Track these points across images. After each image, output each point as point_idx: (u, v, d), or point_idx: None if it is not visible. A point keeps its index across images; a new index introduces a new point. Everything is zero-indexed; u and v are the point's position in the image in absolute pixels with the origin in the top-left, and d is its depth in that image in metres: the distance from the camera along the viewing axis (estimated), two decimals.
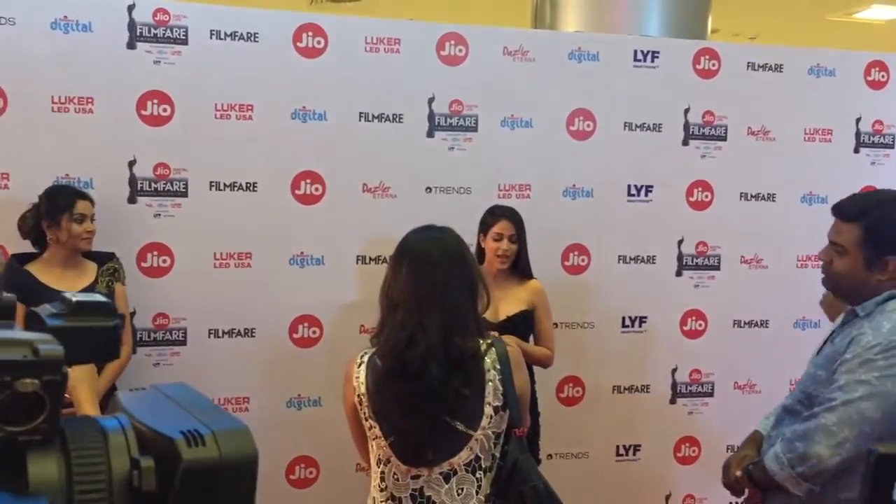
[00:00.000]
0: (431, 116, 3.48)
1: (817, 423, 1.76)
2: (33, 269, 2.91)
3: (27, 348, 0.52)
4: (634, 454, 3.81)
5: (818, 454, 1.74)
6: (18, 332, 0.54)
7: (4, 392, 0.50)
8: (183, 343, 3.30)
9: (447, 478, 1.84)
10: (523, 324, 3.10)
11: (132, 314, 3.19)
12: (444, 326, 1.79)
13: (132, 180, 3.20)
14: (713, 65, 3.73)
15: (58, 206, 2.88)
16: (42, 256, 2.95)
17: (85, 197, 2.95)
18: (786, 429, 1.87)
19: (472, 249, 3.27)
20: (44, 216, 2.90)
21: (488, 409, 1.83)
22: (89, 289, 2.93)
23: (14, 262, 2.91)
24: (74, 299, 0.59)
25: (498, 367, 1.84)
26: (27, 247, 2.98)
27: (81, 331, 0.59)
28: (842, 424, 1.73)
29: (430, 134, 3.49)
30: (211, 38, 3.24)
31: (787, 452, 1.80)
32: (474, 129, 3.52)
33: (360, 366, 1.90)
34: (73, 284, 2.93)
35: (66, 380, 0.53)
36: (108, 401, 2.88)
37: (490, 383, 1.83)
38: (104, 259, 3.03)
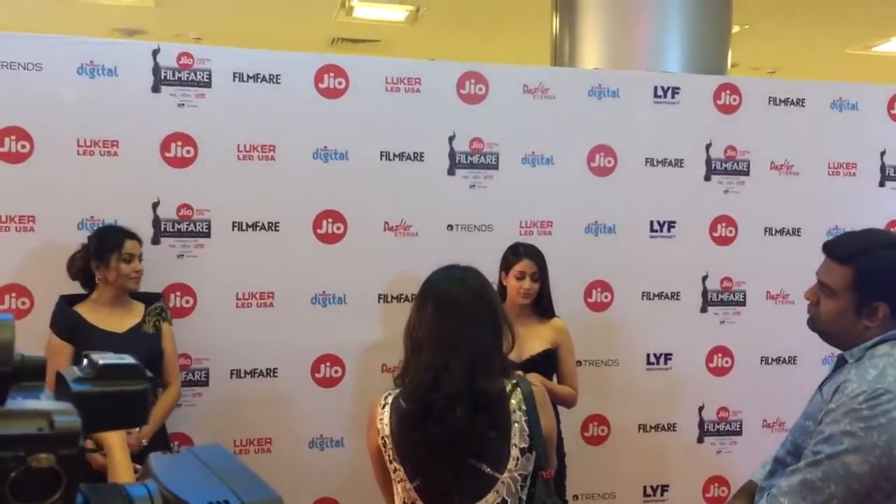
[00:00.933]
0: (452, 154, 3.49)
1: (802, 478, 1.66)
2: (82, 309, 2.93)
3: (43, 420, 0.50)
4: (662, 495, 3.74)
5: None
6: (37, 402, 0.52)
7: (18, 468, 0.47)
8: (205, 384, 3.29)
9: None
10: (547, 363, 3.07)
11: None
12: (469, 367, 1.77)
13: (156, 221, 3.22)
14: (734, 100, 3.72)
15: (107, 246, 2.91)
16: (90, 297, 2.96)
17: (133, 237, 2.98)
18: (776, 480, 1.79)
19: (494, 287, 3.26)
20: (93, 256, 2.92)
21: (514, 451, 1.80)
22: (137, 328, 2.96)
23: (63, 303, 2.93)
24: (101, 362, 0.57)
25: (524, 407, 1.82)
26: (69, 287, 2.99)
27: (108, 396, 0.56)
28: (827, 480, 1.63)
29: (451, 172, 3.49)
30: (234, 80, 3.28)
31: None
32: (495, 166, 3.52)
33: (384, 407, 1.88)
34: (122, 324, 2.95)
35: (84, 454, 0.50)
36: (156, 441, 2.89)
37: (516, 424, 1.81)
38: (151, 299, 3.05)
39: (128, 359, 0.58)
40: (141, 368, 0.58)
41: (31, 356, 0.57)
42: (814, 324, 1.87)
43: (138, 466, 2.72)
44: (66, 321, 2.89)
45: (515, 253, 3.15)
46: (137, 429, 2.76)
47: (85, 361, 0.59)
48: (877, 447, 1.60)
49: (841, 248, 1.84)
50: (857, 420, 1.63)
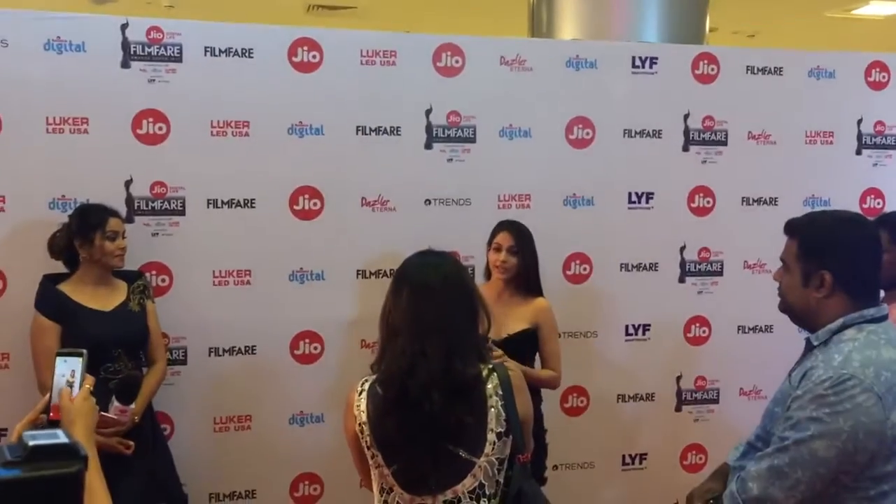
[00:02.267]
0: (429, 128, 3.45)
1: (770, 463, 1.69)
2: (66, 288, 2.90)
3: None
4: (641, 463, 3.79)
5: (772, 497, 1.68)
6: None
7: None
8: (184, 362, 3.28)
9: None
10: (525, 343, 3.07)
11: None
12: (445, 353, 1.77)
13: (129, 200, 3.17)
14: (712, 69, 3.70)
15: (90, 224, 2.87)
16: (74, 276, 2.94)
17: (116, 214, 2.95)
18: (748, 463, 1.82)
19: (482, 262, 3.25)
20: (76, 235, 2.89)
21: (491, 436, 1.81)
22: (123, 306, 2.96)
23: (47, 282, 2.90)
24: (31, 443, 0.54)
25: (500, 392, 1.82)
26: (42, 267, 2.96)
27: (38, 481, 0.52)
28: (794, 465, 1.65)
29: (428, 146, 3.46)
30: (205, 54, 3.22)
31: (741, 493, 1.73)
32: (473, 140, 3.50)
33: (360, 394, 1.88)
34: (108, 303, 2.94)
35: None
36: (145, 418, 2.88)
37: (492, 409, 1.81)
38: (133, 277, 3.04)
39: (61, 437, 0.54)
40: (74, 447, 0.54)
41: None
42: (780, 303, 1.90)
43: (130, 443, 2.74)
44: (53, 301, 2.87)
45: (498, 226, 3.15)
46: (131, 406, 2.75)
47: (15, 445, 0.55)
48: (843, 432, 1.62)
49: (793, 221, 1.89)
50: (823, 406, 1.64)
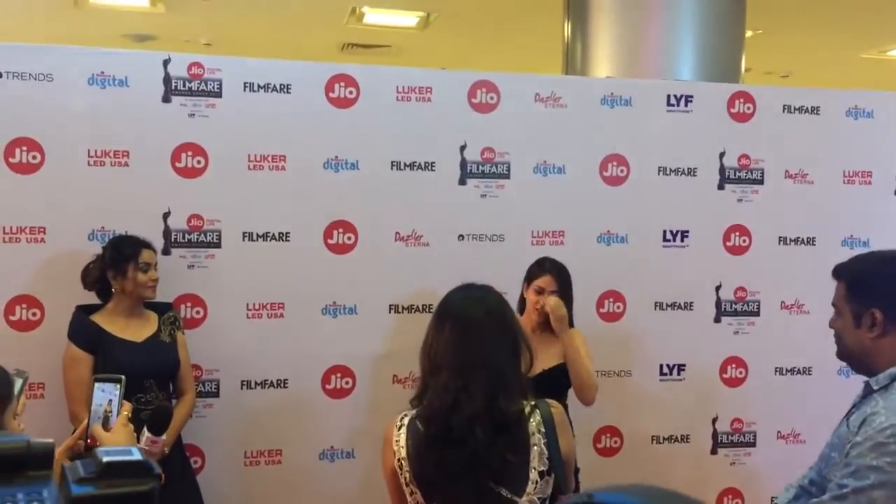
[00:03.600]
0: (463, 164, 3.46)
1: None
2: (99, 319, 2.93)
3: None
4: None
5: None
6: None
7: None
8: (216, 395, 3.28)
9: None
10: (559, 378, 3.02)
11: None
12: (488, 389, 1.74)
13: (166, 232, 3.20)
14: (748, 108, 3.69)
15: (124, 256, 2.91)
16: (106, 307, 2.96)
17: (149, 246, 2.98)
18: None
19: (516, 298, 3.23)
20: (109, 266, 2.92)
21: (533, 475, 1.77)
22: (154, 337, 2.97)
23: (80, 312, 2.92)
24: (105, 459, 0.53)
25: (543, 430, 1.79)
26: (80, 297, 2.98)
27: (112, 499, 0.52)
28: None
29: (462, 181, 3.47)
30: (244, 90, 3.26)
31: None
32: (507, 175, 3.50)
33: (399, 428, 1.85)
34: (139, 334, 2.96)
35: None
36: (174, 450, 2.89)
37: (535, 447, 1.78)
38: (163, 308, 3.06)
39: (135, 454, 0.54)
40: (148, 465, 0.54)
41: (37, 442, 0.53)
42: (838, 350, 1.86)
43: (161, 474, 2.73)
44: (86, 331, 2.89)
45: (540, 266, 3.13)
46: (163, 437, 2.75)
47: (88, 460, 0.54)
48: None
49: (838, 266, 1.86)
50: (884, 455, 1.60)
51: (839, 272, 1.84)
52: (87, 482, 0.51)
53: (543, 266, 3.13)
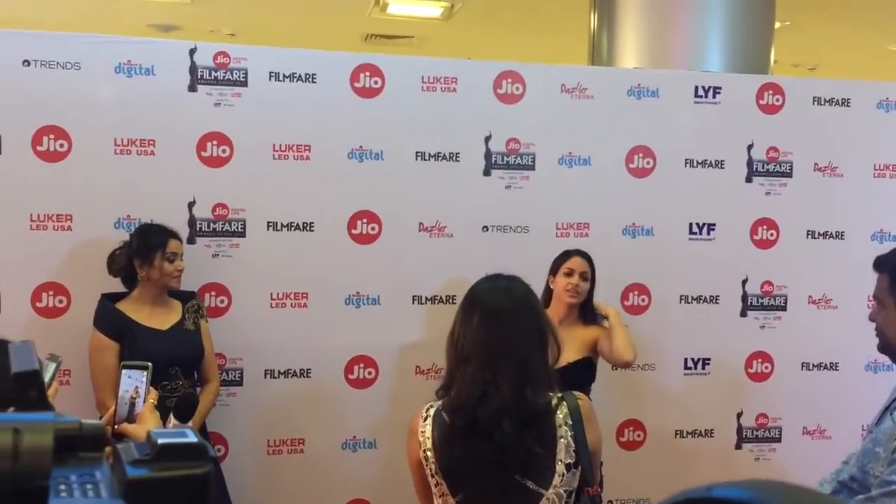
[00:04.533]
0: (488, 155, 3.44)
1: None
2: (124, 307, 2.95)
3: None
4: None
5: None
6: None
7: None
8: (240, 384, 3.29)
9: None
10: (582, 372, 3.01)
11: None
12: (516, 382, 1.73)
13: (192, 221, 3.21)
14: (777, 100, 3.64)
15: (151, 245, 2.92)
16: (131, 294, 2.98)
17: (176, 236, 2.99)
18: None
19: (540, 290, 3.21)
20: (136, 254, 2.93)
21: (560, 467, 1.76)
22: (179, 326, 2.99)
23: (106, 300, 2.94)
24: (160, 441, 0.52)
25: (570, 422, 1.78)
26: (105, 285, 2.99)
27: (168, 482, 0.51)
28: None
29: (486, 172, 3.45)
30: (270, 79, 3.26)
31: None
32: (531, 167, 3.48)
33: (425, 420, 1.84)
34: (164, 322, 2.97)
35: None
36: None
37: (562, 439, 1.77)
38: (186, 297, 3.07)
39: (191, 436, 0.53)
40: (203, 447, 0.53)
41: (89, 423, 0.53)
42: (879, 343, 1.83)
43: (215, 454, 2.74)
44: (111, 319, 2.91)
45: (566, 253, 3.15)
46: (189, 424, 2.77)
47: (142, 442, 0.54)
48: None
49: (880, 257, 1.85)
50: None
51: (881, 264, 1.82)
52: (142, 464, 0.51)
53: (569, 251, 3.14)
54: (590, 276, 3.10)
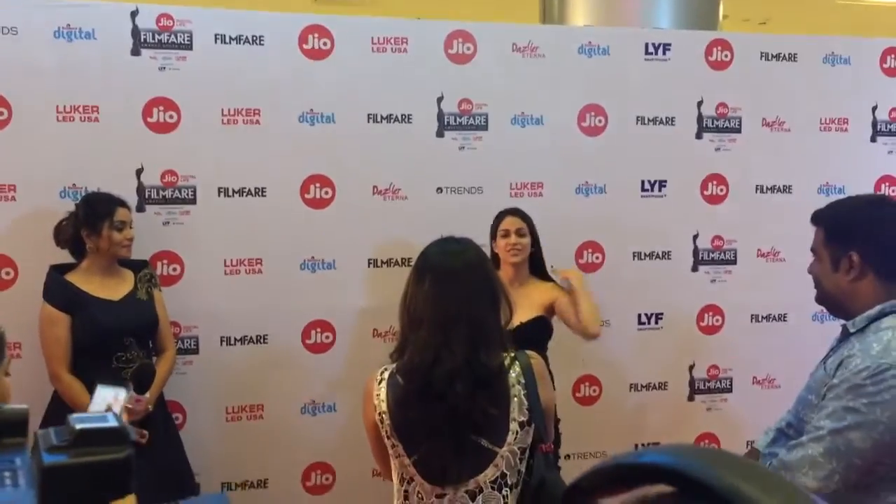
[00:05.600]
0: (441, 116, 3.43)
1: (804, 453, 1.66)
2: (73, 278, 2.89)
3: None
4: None
5: (805, 486, 1.64)
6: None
7: None
8: (195, 352, 3.27)
9: (473, 496, 1.79)
10: (537, 331, 3.03)
11: None
12: (468, 343, 1.75)
13: (140, 189, 3.16)
14: (726, 56, 3.67)
15: (98, 214, 2.85)
16: (81, 265, 2.92)
17: (124, 204, 2.93)
18: (778, 449, 1.80)
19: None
20: (83, 224, 2.86)
21: (514, 425, 1.79)
22: (131, 296, 2.94)
23: (55, 272, 2.88)
24: (78, 426, 0.51)
25: (522, 381, 1.80)
26: (53, 256, 2.94)
27: (86, 467, 0.50)
28: (829, 455, 1.62)
29: (439, 134, 3.44)
30: (216, 42, 3.19)
31: None
32: (484, 127, 3.47)
33: (380, 383, 1.86)
34: (116, 292, 2.92)
35: None
36: (157, 407, 2.90)
37: (515, 398, 1.79)
38: (139, 266, 3.02)
39: (110, 421, 0.52)
40: (123, 431, 0.52)
41: (10, 408, 0.52)
42: (816, 295, 1.88)
43: (145, 432, 2.74)
44: (62, 291, 2.85)
45: (499, 215, 3.16)
46: (146, 395, 2.76)
47: (61, 428, 0.53)
48: (880, 423, 1.60)
49: (817, 212, 1.88)
50: (861, 396, 1.62)
51: (818, 218, 1.86)
52: (60, 450, 0.50)
53: (501, 213, 3.16)
54: (527, 231, 3.10)
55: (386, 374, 1.86)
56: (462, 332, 1.75)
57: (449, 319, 1.76)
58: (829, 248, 1.79)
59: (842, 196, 3.53)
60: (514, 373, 1.81)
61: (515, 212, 3.15)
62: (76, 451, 0.49)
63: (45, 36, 3.03)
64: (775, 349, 3.76)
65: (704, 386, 3.80)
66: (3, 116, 3.01)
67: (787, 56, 3.72)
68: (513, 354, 1.83)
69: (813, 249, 1.85)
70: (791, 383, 3.54)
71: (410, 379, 1.79)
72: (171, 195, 3.20)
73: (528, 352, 1.86)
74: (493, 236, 3.14)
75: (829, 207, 1.89)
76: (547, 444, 1.84)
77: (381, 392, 1.84)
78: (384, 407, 1.83)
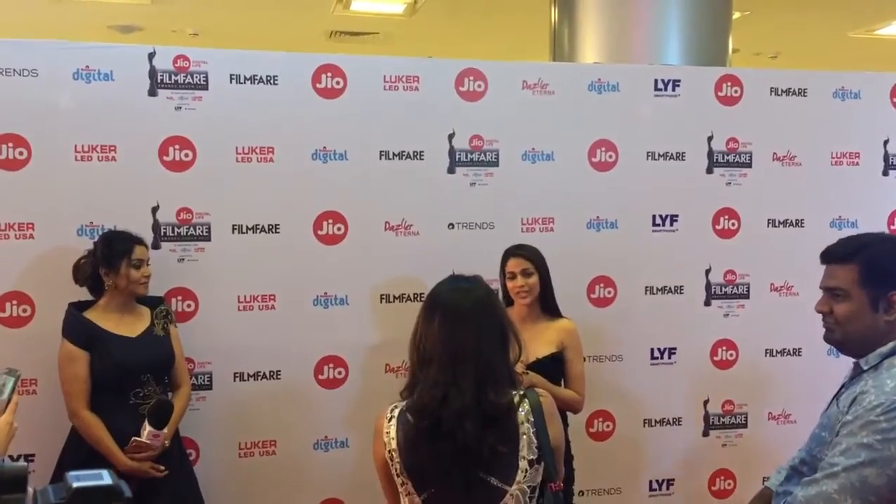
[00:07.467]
0: (452, 152, 3.46)
1: (819, 489, 1.65)
2: (92, 315, 2.92)
3: None
4: (668, 489, 3.74)
5: None
6: None
7: None
8: (209, 387, 3.28)
9: None
10: (554, 366, 3.04)
11: None
12: (477, 382, 1.76)
13: (156, 226, 3.20)
14: (735, 91, 3.69)
15: (116, 252, 2.89)
16: (99, 303, 2.95)
17: (141, 242, 2.96)
18: (792, 488, 1.79)
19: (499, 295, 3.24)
20: (101, 262, 2.90)
21: (523, 464, 1.79)
22: (148, 332, 2.97)
23: (74, 309, 2.92)
24: (75, 485, 0.52)
25: (531, 419, 1.80)
26: (70, 293, 2.97)
27: None
28: (843, 492, 1.61)
29: (450, 170, 3.47)
30: (231, 82, 3.25)
31: None
32: (495, 163, 3.50)
33: (390, 420, 1.87)
34: (132, 329, 2.95)
35: None
36: (173, 442, 2.92)
37: (524, 436, 1.79)
38: (155, 302, 3.05)
39: (105, 478, 0.53)
40: (118, 489, 0.53)
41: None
42: (832, 334, 1.85)
43: (162, 467, 2.75)
44: (80, 328, 2.88)
45: (504, 255, 3.15)
46: (164, 430, 2.77)
47: (59, 486, 0.53)
48: (894, 460, 1.59)
49: (840, 249, 1.85)
50: (875, 432, 1.62)
51: (844, 257, 1.81)
52: None
53: (507, 253, 3.14)
54: (533, 270, 3.08)
55: (396, 412, 1.87)
56: (470, 371, 1.76)
57: (458, 358, 1.77)
58: (867, 289, 1.77)
59: (855, 230, 3.57)
60: (524, 411, 1.81)
61: (520, 251, 3.12)
62: None
63: (65, 77, 3.10)
64: (790, 384, 3.74)
65: (719, 421, 3.77)
66: (22, 156, 3.07)
67: (797, 91, 3.75)
68: (522, 392, 1.84)
69: (837, 288, 1.81)
70: (807, 418, 3.52)
71: (420, 417, 1.80)
72: (186, 232, 3.24)
73: (538, 389, 1.87)
74: (503, 275, 3.15)
75: (861, 247, 1.83)
76: (556, 482, 1.84)
77: (392, 430, 1.85)
78: (394, 445, 1.84)
